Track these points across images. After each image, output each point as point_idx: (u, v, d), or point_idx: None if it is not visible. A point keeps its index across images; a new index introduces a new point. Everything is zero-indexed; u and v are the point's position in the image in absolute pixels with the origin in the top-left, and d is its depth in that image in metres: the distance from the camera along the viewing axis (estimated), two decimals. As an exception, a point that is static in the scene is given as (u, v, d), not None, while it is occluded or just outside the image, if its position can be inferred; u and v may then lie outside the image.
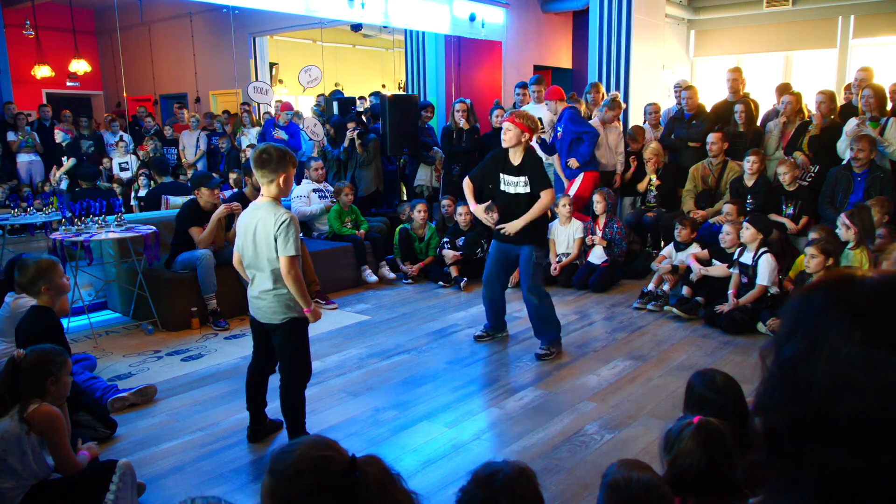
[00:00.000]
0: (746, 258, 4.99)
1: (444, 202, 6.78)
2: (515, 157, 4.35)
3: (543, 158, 7.02)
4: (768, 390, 0.70)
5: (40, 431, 2.45)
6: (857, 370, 0.62)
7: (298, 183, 7.07)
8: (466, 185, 4.56)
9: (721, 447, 1.62)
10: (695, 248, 5.55)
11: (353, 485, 1.32)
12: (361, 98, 8.96)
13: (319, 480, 1.33)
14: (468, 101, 7.47)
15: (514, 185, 4.38)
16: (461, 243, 6.49)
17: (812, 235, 4.76)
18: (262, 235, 2.94)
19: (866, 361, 0.61)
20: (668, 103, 8.41)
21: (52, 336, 2.98)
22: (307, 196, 6.67)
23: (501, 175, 4.41)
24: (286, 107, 8.98)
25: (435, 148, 7.80)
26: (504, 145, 4.34)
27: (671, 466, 1.65)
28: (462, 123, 7.24)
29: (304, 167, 6.87)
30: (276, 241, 2.91)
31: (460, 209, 6.54)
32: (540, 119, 6.99)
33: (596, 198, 6.25)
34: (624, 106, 6.95)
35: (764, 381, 0.71)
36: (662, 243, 6.35)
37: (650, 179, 6.46)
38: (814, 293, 0.69)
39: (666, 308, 5.35)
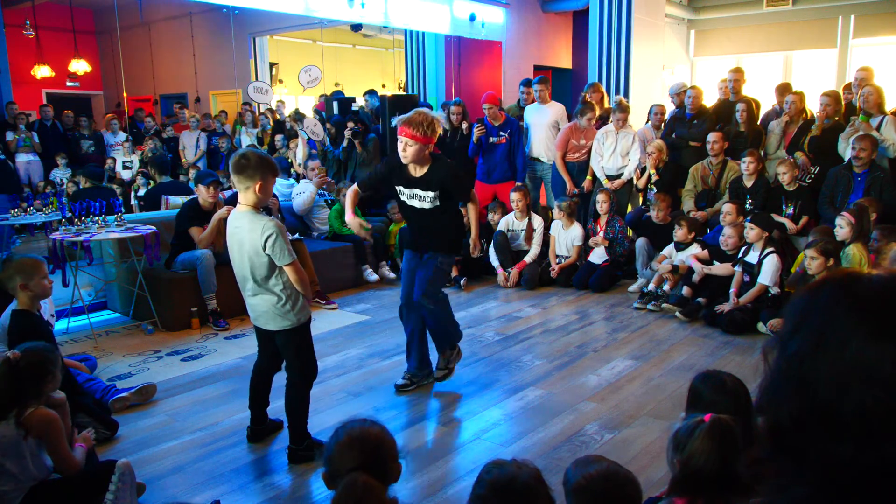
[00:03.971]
0: (752, 257, 4.99)
1: None
2: (418, 170, 3.64)
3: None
4: (773, 385, 0.70)
5: (37, 435, 2.43)
6: (864, 364, 0.62)
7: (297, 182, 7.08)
8: (352, 192, 3.86)
9: (734, 444, 1.61)
10: (695, 249, 5.54)
11: (341, 478, 1.57)
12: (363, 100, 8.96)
13: (336, 452, 1.63)
14: (462, 101, 7.46)
15: (420, 199, 3.70)
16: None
17: (811, 237, 4.76)
18: (249, 247, 2.91)
19: (874, 355, 0.62)
20: (668, 104, 8.39)
21: (33, 338, 2.85)
22: (307, 192, 6.67)
23: (400, 188, 3.73)
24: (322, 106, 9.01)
25: None
26: (406, 162, 3.60)
27: (684, 466, 1.64)
28: (456, 123, 7.21)
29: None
30: (269, 257, 2.89)
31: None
32: (523, 123, 7.09)
33: (600, 197, 6.25)
34: (630, 108, 6.94)
35: (768, 376, 0.71)
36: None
37: (650, 175, 6.45)
38: (820, 290, 0.69)
39: (665, 306, 5.34)
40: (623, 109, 6.60)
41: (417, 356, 3.98)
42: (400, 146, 3.57)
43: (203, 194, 5.27)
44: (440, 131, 3.60)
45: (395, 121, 3.59)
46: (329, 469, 1.64)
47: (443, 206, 3.68)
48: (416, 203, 3.71)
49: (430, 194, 3.65)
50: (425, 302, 3.77)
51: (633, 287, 6.02)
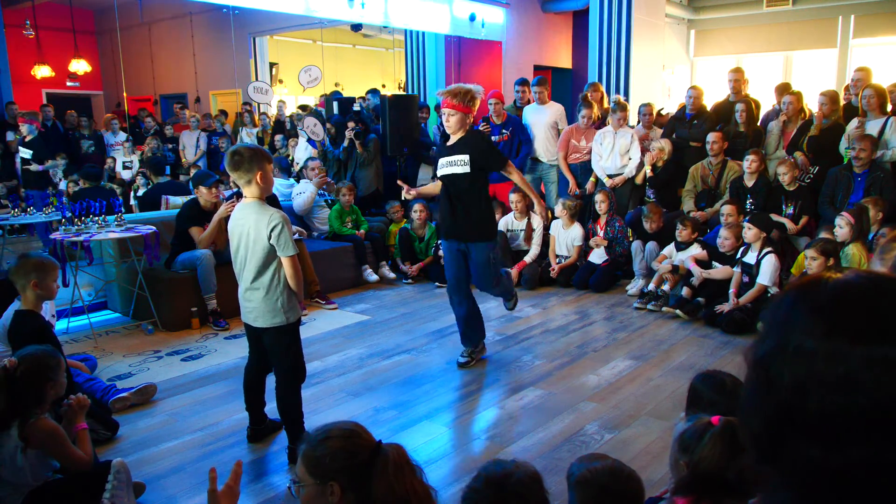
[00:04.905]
0: (750, 258, 4.99)
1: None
2: (454, 138, 4.01)
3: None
4: (747, 391, 0.71)
5: (39, 447, 2.41)
6: (820, 363, 0.63)
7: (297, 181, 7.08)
8: (435, 185, 4.35)
9: (742, 447, 1.61)
10: (695, 249, 5.54)
11: (373, 459, 1.53)
12: (362, 98, 8.96)
13: (344, 445, 1.56)
14: None
15: (450, 165, 4.01)
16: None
17: (822, 233, 4.77)
18: (255, 236, 2.94)
19: (828, 354, 0.63)
20: (666, 103, 8.38)
21: (41, 339, 2.88)
22: (307, 193, 6.67)
23: (441, 161, 4.08)
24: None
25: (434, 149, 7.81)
26: (449, 132, 4.00)
27: (693, 469, 1.63)
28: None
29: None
30: (269, 247, 2.92)
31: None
32: (524, 124, 7.09)
33: (598, 197, 6.25)
34: (629, 107, 6.93)
35: (745, 383, 0.72)
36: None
37: (645, 172, 6.44)
38: (785, 296, 0.71)
39: (665, 309, 5.34)
40: (622, 109, 6.60)
41: (472, 335, 4.35)
42: (444, 118, 3.97)
43: (204, 195, 5.27)
44: (476, 101, 3.92)
45: (437, 94, 3.97)
46: (320, 474, 1.54)
47: (474, 173, 3.96)
48: (451, 170, 4.00)
49: (464, 157, 3.95)
50: (493, 292, 4.35)
51: (631, 290, 5.97)
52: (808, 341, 0.64)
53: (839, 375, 0.62)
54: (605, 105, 7.21)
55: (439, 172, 4.10)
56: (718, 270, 5.26)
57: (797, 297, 0.69)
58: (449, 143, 4.04)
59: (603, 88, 7.51)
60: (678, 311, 5.19)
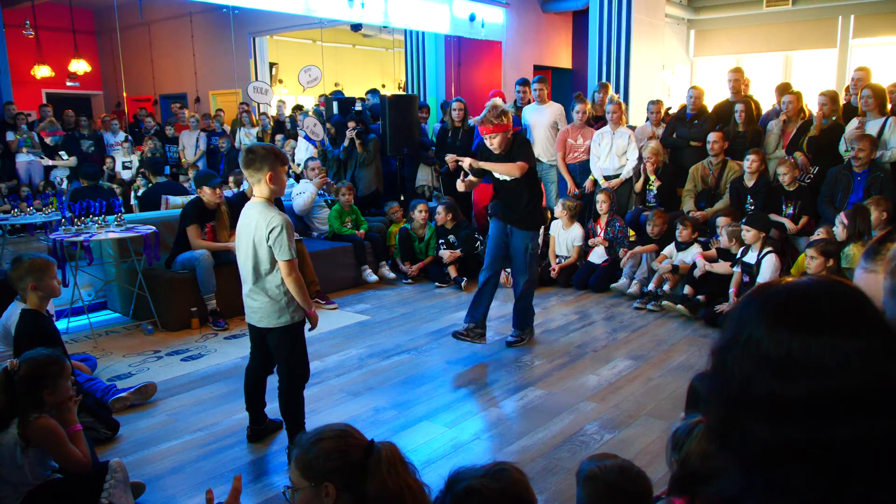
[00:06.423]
0: (750, 257, 5.00)
1: (439, 209, 6.71)
2: (500, 152, 4.32)
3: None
4: (708, 381, 0.81)
5: (39, 445, 2.41)
6: (765, 350, 0.73)
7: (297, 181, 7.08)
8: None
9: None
10: (696, 248, 5.55)
11: (366, 457, 1.52)
12: (362, 99, 8.95)
13: (337, 445, 1.55)
14: (463, 100, 7.47)
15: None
16: (457, 242, 6.48)
17: (818, 234, 4.76)
18: (256, 238, 2.94)
19: (772, 342, 0.73)
20: (666, 103, 8.37)
21: (42, 340, 2.86)
22: (307, 193, 6.66)
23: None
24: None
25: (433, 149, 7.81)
26: (497, 152, 4.28)
27: (682, 465, 1.64)
28: (457, 121, 7.26)
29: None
30: (270, 249, 2.91)
31: (439, 208, 6.56)
32: (523, 125, 7.09)
33: (600, 197, 6.25)
34: (623, 105, 6.94)
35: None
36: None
37: (649, 180, 6.45)
38: (743, 299, 0.82)
39: (665, 303, 5.33)
40: (613, 103, 6.61)
41: (481, 311, 4.54)
42: (487, 142, 4.28)
43: (207, 195, 5.26)
44: (511, 115, 4.27)
45: (471, 122, 4.23)
46: (314, 476, 1.53)
47: (521, 177, 4.27)
48: (505, 177, 4.34)
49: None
50: (521, 280, 4.55)
51: (617, 287, 5.95)
52: (756, 332, 0.74)
53: (780, 359, 0.72)
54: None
55: (496, 175, 4.41)
56: (720, 265, 5.28)
57: (752, 298, 0.80)
58: (498, 156, 4.33)
59: (612, 89, 7.52)
60: (679, 306, 5.19)
